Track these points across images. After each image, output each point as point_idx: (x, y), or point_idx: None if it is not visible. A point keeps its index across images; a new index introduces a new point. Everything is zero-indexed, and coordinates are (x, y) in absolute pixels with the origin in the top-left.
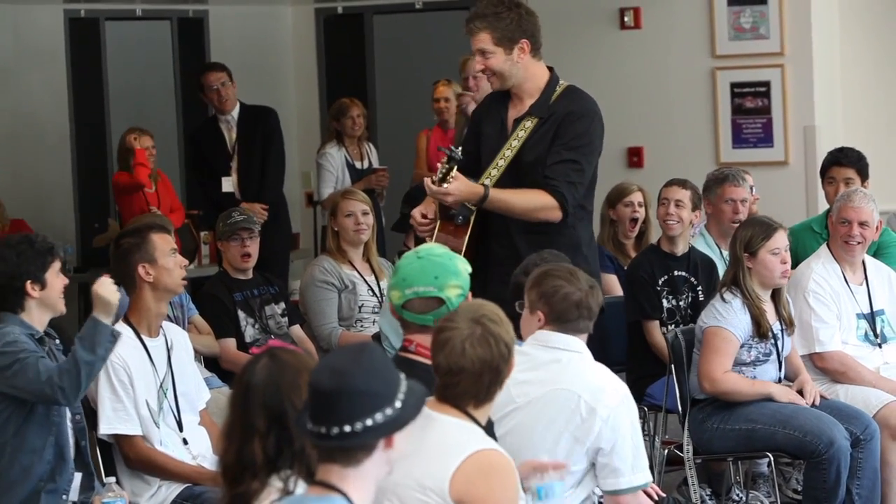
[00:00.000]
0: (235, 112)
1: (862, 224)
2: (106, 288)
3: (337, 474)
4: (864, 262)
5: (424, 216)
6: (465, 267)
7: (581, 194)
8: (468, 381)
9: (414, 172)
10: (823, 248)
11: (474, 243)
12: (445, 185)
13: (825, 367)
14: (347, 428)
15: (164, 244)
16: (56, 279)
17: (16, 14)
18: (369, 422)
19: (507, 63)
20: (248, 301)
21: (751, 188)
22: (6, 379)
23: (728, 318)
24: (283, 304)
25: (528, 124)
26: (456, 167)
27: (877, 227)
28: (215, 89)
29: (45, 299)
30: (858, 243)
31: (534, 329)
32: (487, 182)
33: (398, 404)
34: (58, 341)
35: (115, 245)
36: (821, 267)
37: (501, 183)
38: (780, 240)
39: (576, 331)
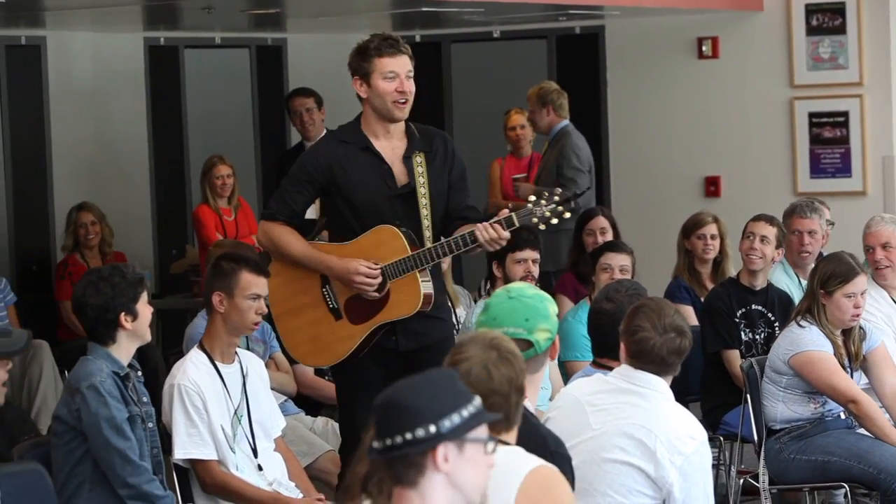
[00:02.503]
0: None
1: (884, 246)
2: None
3: (399, 496)
4: None
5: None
6: (554, 310)
7: None
8: (499, 404)
9: (488, 201)
10: (870, 278)
11: None
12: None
13: None
14: (388, 441)
15: (249, 285)
16: (145, 309)
17: (97, 42)
18: (409, 435)
19: None
20: None
21: (828, 221)
22: (79, 422)
23: (815, 340)
24: None
25: (419, 160)
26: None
27: None
28: (299, 114)
29: (136, 330)
30: (886, 266)
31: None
32: (429, 234)
33: (447, 423)
34: (140, 373)
35: (213, 263)
36: (868, 295)
37: (434, 224)
38: (858, 284)
39: (655, 372)
